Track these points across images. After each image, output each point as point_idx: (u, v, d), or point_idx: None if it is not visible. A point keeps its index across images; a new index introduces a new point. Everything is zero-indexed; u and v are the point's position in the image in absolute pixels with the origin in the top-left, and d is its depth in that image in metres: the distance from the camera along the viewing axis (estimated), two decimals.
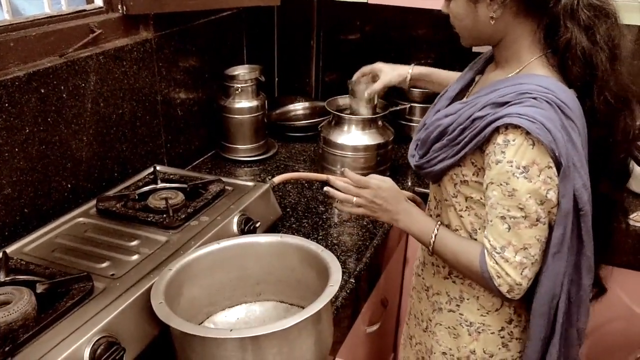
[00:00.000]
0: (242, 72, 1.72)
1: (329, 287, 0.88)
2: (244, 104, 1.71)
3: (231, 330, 0.82)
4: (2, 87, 1.09)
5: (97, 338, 0.85)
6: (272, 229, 1.34)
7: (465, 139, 0.96)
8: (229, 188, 1.33)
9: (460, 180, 1.02)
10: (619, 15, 0.95)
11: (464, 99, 1.06)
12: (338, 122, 1.59)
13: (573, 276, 0.99)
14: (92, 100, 1.31)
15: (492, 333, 1.08)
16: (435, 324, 1.17)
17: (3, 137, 1.11)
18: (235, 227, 1.19)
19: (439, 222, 1.06)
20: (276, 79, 2.19)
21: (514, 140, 0.90)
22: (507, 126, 0.90)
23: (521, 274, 0.94)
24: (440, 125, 1.02)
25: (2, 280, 0.95)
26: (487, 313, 1.08)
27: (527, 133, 0.88)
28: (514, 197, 0.91)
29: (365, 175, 1.11)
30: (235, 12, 1.84)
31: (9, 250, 1.05)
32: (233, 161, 1.76)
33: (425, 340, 1.21)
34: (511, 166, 0.90)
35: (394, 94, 1.83)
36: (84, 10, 1.35)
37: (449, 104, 1.10)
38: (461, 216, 1.05)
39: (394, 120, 1.83)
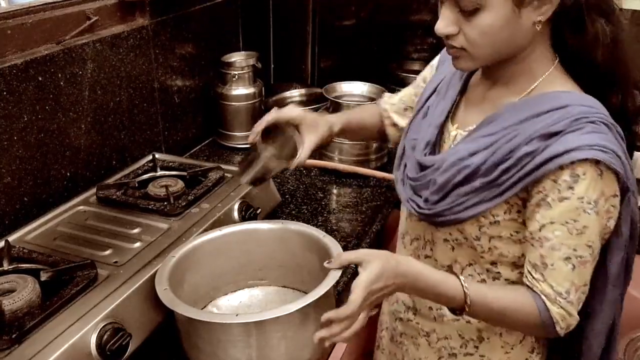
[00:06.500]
0: (239, 58, 1.71)
1: (332, 272, 0.89)
2: (240, 90, 1.71)
3: (237, 315, 0.83)
4: (0, 75, 1.08)
5: (103, 324, 0.86)
6: (271, 215, 1.35)
7: (512, 180, 0.82)
8: (228, 175, 1.33)
9: (490, 222, 0.88)
10: None
11: (472, 127, 0.90)
12: (336, 109, 1.59)
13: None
14: (90, 88, 1.30)
15: None
16: None
17: (2, 125, 1.10)
18: (236, 214, 1.20)
19: (462, 278, 0.85)
20: (272, 66, 2.18)
21: (584, 175, 0.78)
22: (573, 160, 0.78)
23: (578, 308, 0.85)
24: (467, 167, 0.86)
25: (6, 268, 0.95)
26: (512, 348, 0.97)
27: (597, 163, 0.78)
28: (583, 235, 0.80)
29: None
30: None
31: (10, 239, 1.05)
32: (231, 148, 1.75)
33: None
34: (582, 202, 0.79)
35: (389, 81, 1.83)
36: None
37: (438, 132, 0.95)
38: (481, 257, 0.91)
39: None
